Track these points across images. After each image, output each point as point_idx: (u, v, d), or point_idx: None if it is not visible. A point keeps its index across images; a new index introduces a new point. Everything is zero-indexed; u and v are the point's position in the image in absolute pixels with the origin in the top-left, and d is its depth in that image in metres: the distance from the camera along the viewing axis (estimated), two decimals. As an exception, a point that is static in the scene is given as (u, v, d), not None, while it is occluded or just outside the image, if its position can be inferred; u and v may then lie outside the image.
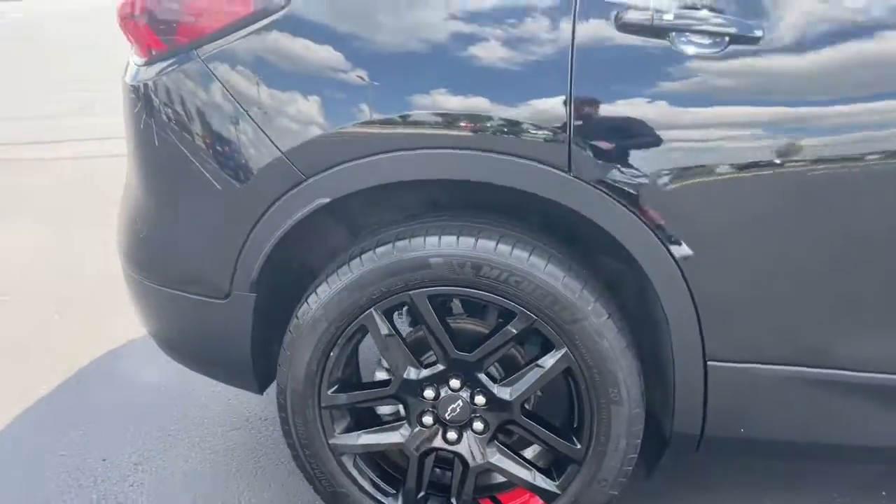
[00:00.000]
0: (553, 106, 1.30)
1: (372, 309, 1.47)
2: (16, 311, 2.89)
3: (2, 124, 6.05)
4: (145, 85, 1.52)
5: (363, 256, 1.46)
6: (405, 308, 1.54)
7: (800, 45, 1.26)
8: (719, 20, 1.27)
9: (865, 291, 1.33)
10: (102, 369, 2.47)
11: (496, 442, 1.56)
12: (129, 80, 1.57)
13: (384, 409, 1.66)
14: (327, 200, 1.42)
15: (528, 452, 1.65)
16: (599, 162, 1.31)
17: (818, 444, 1.49)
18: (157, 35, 1.48)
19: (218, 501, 1.85)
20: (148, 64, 1.52)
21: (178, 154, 1.51)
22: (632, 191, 1.31)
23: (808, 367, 1.39)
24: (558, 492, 1.54)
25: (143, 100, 1.53)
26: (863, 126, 1.26)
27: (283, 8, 1.38)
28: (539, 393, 1.62)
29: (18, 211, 4.00)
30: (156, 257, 1.64)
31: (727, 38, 1.27)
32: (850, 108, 1.26)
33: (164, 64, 1.48)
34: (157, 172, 1.58)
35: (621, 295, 1.52)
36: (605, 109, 1.30)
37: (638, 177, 1.31)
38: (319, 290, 1.49)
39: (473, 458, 1.56)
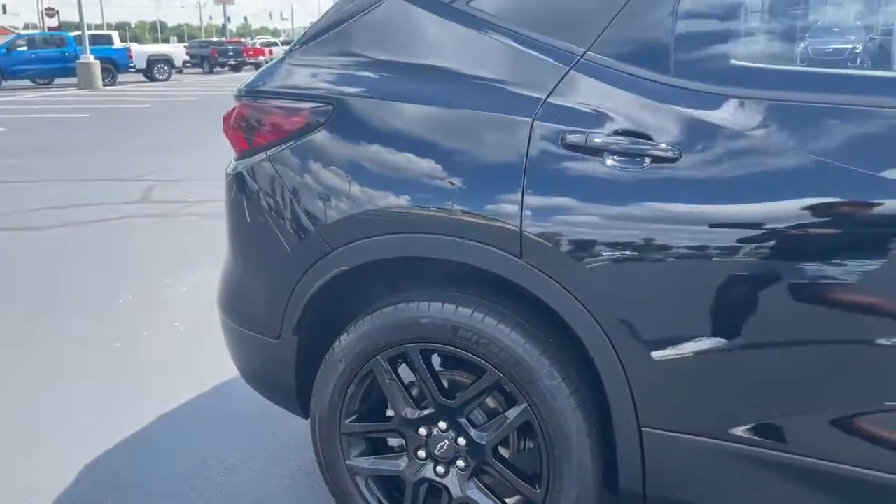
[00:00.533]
0: (510, 205, 1.64)
1: (378, 356, 1.85)
2: (180, 337, 3.59)
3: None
4: (237, 174, 2.04)
5: (374, 314, 1.85)
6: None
7: (708, 166, 1.50)
8: (642, 144, 1.54)
9: (776, 377, 1.50)
10: (226, 388, 3.03)
11: (475, 479, 1.86)
12: (228, 170, 2.10)
13: (394, 441, 2.01)
14: (346, 268, 1.83)
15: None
16: (543, 250, 1.62)
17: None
18: (245, 139, 2.00)
19: (277, 507, 2.29)
20: (238, 159, 2.04)
21: (253, 225, 2.00)
22: (568, 275, 1.60)
23: (732, 442, 1.57)
24: (522, 530, 1.80)
25: (234, 184, 2.05)
26: (754, 227, 1.46)
27: (322, 126, 1.85)
28: (531, 445, 1.90)
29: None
30: (235, 303, 2.13)
31: (648, 158, 1.54)
32: (746, 209, 1.47)
33: (247, 160, 1.99)
34: (240, 237, 2.09)
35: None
36: (548, 209, 1.61)
37: (572, 264, 1.59)
38: (342, 337, 1.89)
39: (456, 491, 1.86)
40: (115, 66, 24.81)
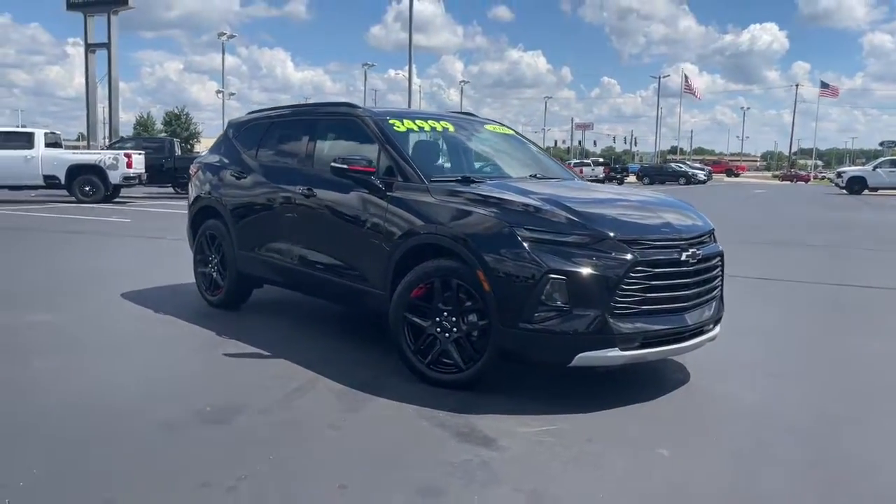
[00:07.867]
0: (214, 189, 6.52)
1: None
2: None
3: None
4: (189, 181, 7.15)
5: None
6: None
7: (259, 179, 6.24)
8: (239, 173, 6.35)
9: (281, 237, 6.07)
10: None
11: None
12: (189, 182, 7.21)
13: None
14: (204, 204, 6.87)
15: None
16: (219, 200, 6.46)
17: (274, 280, 6.20)
18: (192, 172, 7.14)
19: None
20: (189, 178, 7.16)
21: (191, 192, 7.12)
22: (224, 205, 6.42)
23: (257, 254, 6.24)
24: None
25: (189, 183, 7.16)
26: (274, 192, 6.14)
27: (200, 169, 6.92)
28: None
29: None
30: (187, 220, 7.22)
31: (245, 177, 6.34)
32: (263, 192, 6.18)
33: (191, 177, 7.11)
34: (188, 197, 7.21)
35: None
36: (219, 190, 6.47)
37: (222, 204, 6.41)
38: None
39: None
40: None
